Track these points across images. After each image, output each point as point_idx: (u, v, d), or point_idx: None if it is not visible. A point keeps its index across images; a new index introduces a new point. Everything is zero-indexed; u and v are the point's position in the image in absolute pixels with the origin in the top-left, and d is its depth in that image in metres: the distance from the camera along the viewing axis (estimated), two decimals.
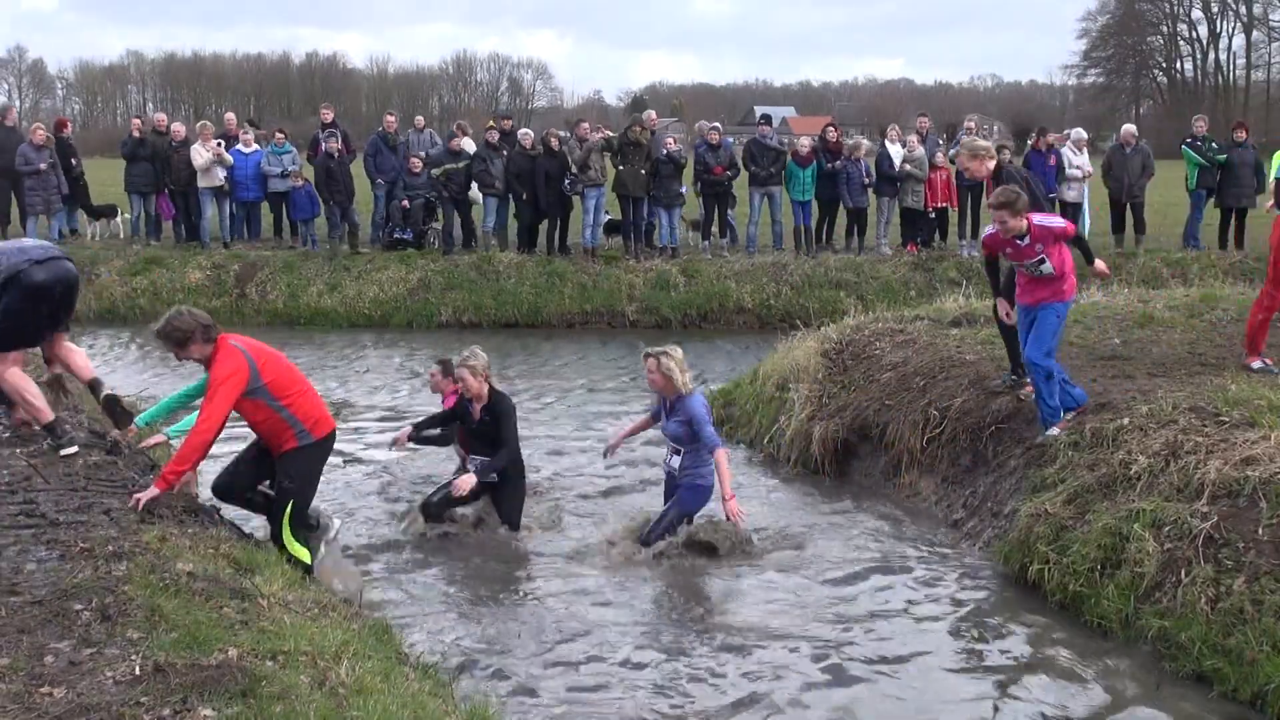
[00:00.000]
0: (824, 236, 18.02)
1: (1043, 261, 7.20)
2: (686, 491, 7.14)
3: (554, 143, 16.99)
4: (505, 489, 7.45)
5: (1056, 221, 7.37)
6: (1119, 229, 17.66)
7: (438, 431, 7.97)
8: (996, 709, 5.30)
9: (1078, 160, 17.17)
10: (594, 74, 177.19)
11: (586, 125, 17.67)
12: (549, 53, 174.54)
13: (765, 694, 5.41)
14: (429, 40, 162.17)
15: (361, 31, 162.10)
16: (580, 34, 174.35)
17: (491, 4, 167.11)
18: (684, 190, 17.13)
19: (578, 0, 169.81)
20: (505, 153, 16.90)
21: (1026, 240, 7.18)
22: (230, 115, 19.94)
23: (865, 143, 18.36)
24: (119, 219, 19.09)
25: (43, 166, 16.46)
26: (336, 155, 17.01)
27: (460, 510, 7.49)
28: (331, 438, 6.24)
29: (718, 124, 17.87)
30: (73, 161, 17.55)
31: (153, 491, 5.70)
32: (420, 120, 20.46)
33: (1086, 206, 17.52)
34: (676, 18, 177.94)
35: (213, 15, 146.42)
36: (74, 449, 6.38)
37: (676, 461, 7.18)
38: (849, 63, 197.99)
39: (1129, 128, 18.06)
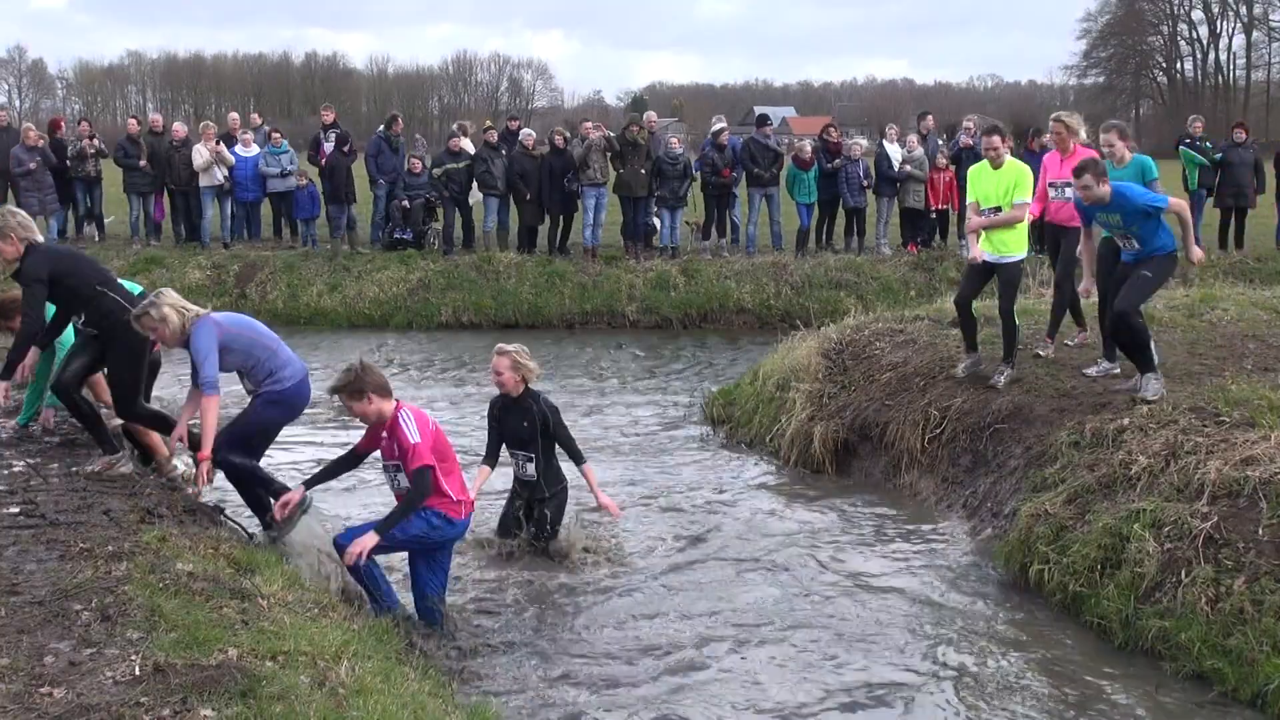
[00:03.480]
0: (824, 237, 18.01)
1: (399, 469, 5.75)
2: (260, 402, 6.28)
3: (560, 141, 17.00)
4: None
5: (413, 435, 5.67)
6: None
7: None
8: (997, 709, 5.29)
9: None
10: (600, 75, 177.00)
11: (589, 125, 17.67)
12: (555, 53, 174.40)
13: (764, 694, 5.41)
14: (436, 41, 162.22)
15: (370, 33, 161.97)
16: (587, 35, 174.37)
17: (499, 5, 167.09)
18: (687, 194, 17.11)
19: (585, 1, 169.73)
20: (505, 153, 16.92)
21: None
22: (234, 115, 19.94)
23: (862, 142, 18.34)
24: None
25: (32, 166, 16.47)
26: (345, 152, 17.14)
27: None
28: None
29: (723, 124, 17.84)
30: (66, 160, 17.48)
31: None
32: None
33: None
34: (683, 19, 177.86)
35: (221, 16, 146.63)
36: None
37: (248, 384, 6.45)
38: (855, 63, 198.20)
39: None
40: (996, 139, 8.43)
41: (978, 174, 8.54)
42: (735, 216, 17.87)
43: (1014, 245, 8.40)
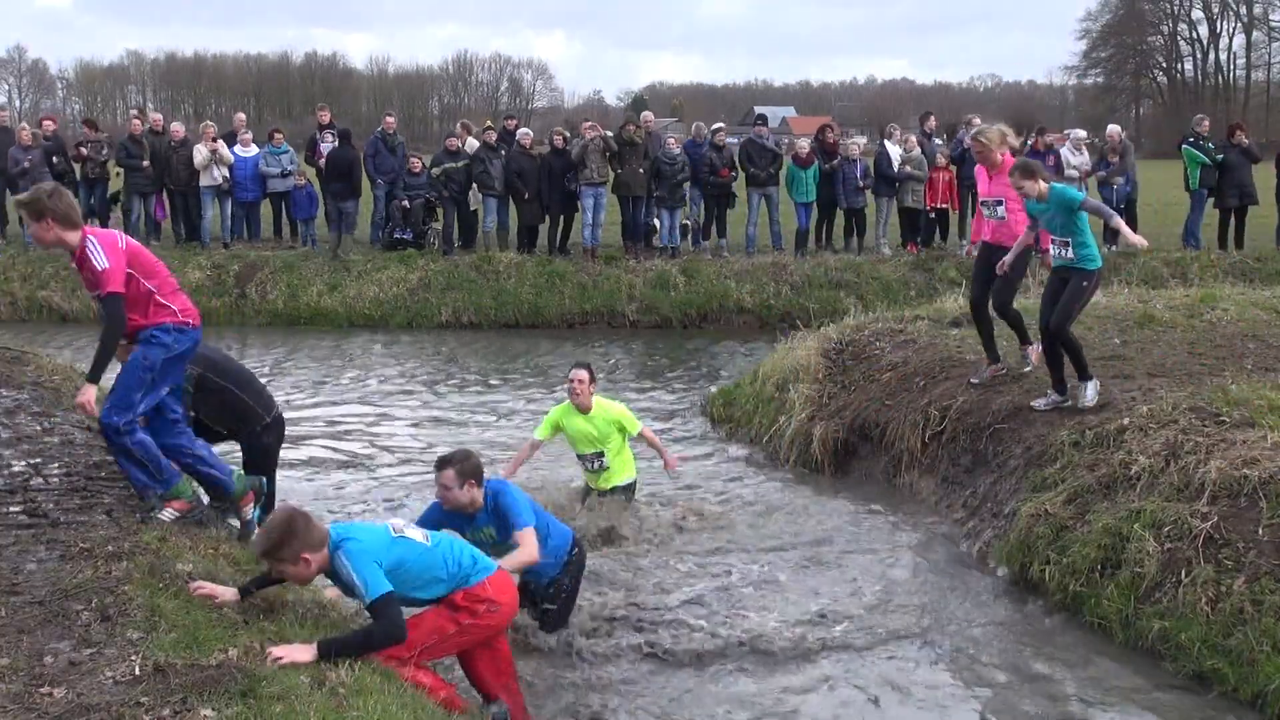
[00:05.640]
0: (823, 237, 18.02)
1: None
2: None
3: (559, 141, 17.01)
4: None
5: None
6: (1112, 234, 17.65)
7: None
8: (996, 709, 5.29)
9: (1076, 160, 17.17)
10: (602, 75, 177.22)
11: (589, 125, 17.69)
12: (557, 54, 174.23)
13: (762, 694, 5.41)
14: (439, 42, 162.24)
15: (374, 33, 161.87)
16: (589, 35, 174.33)
17: (503, 5, 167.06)
18: (686, 195, 17.13)
19: (589, 1, 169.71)
20: (505, 152, 16.92)
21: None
22: (240, 115, 19.95)
23: (860, 142, 18.34)
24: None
25: (26, 165, 16.46)
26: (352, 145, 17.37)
27: None
28: None
29: (722, 125, 17.85)
30: (54, 159, 17.43)
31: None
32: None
33: None
34: (686, 19, 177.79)
35: (227, 15, 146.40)
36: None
37: None
38: (855, 63, 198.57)
39: (1114, 128, 18.07)
40: (584, 374, 7.51)
41: (567, 416, 7.61)
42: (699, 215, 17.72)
43: (623, 471, 7.73)
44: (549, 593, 5.82)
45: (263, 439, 6.42)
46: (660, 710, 5.29)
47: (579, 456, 7.74)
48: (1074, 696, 5.39)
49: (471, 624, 4.73)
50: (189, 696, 3.69)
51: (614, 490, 7.69)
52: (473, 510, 5.49)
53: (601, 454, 7.61)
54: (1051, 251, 7.63)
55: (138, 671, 3.84)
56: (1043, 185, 7.42)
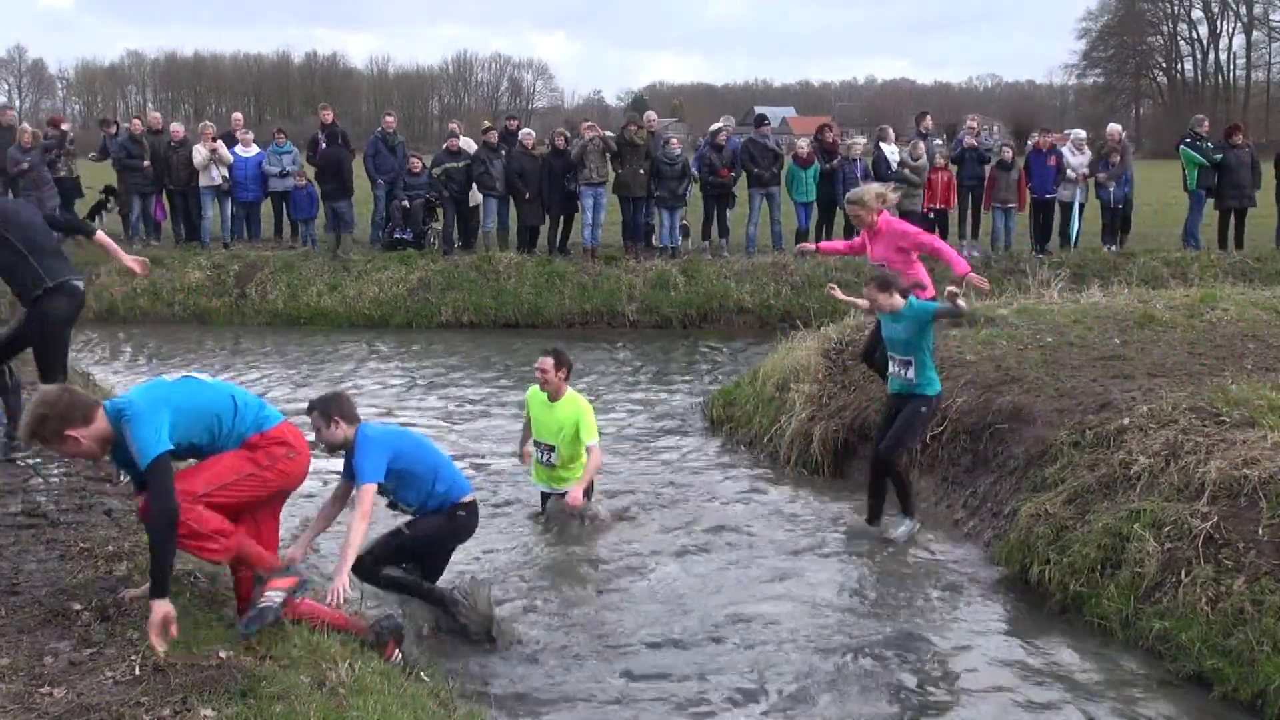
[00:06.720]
0: (823, 237, 17.98)
1: None
2: None
3: (560, 141, 17.02)
4: None
5: None
6: (1111, 234, 17.68)
7: None
8: (996, 710, 5.29)
9: (1075, 161, 17.18)
10: (602, 75, 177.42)
11: (588, 125, 17.69)
12: (558, 54, 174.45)
13: (761, 694, 5.41)
14: (440, 42, 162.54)
15: (375, 33, 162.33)
16: (590, 35, 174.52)
17: (504, 5, 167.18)
18: (687, 194, 17.12)
19: (590, 2, 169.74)
20: (505, 152, 16.94)
21: None
22: (237, 115, 19.94)
23: (860, 142, 18.32)
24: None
25: (25, 166, 16.44)
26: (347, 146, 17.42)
27: None
28: None
29: (725, 124, 17.84)
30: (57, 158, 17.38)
31: None
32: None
33: (1077, 207, 17.44)
34: (687, 18, 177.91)
35: (227, 15, 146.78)
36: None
37: None
38: (855, 63, 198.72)
39: (1114, 127, 18.07)
40: (548, 361, 7.37)
41: (534, 397, 7.59)
42: (727, 220, 17.77)
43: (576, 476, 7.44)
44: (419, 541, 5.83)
45: (42, 302, 6.43)
46: (649, 707, 5.30)
47: (535, 443, 7.64)
48: (1074, 696, 5.39)
49: (270, 467, 4.46)
50: (189, 696, 3.70)
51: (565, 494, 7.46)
52: (349, 451, 5.45)
53: (553, 448, 7.45)
54: (891, 371, 7.32)
55: (138, 671, 3.85)
56: (898, 300, 7.07)
